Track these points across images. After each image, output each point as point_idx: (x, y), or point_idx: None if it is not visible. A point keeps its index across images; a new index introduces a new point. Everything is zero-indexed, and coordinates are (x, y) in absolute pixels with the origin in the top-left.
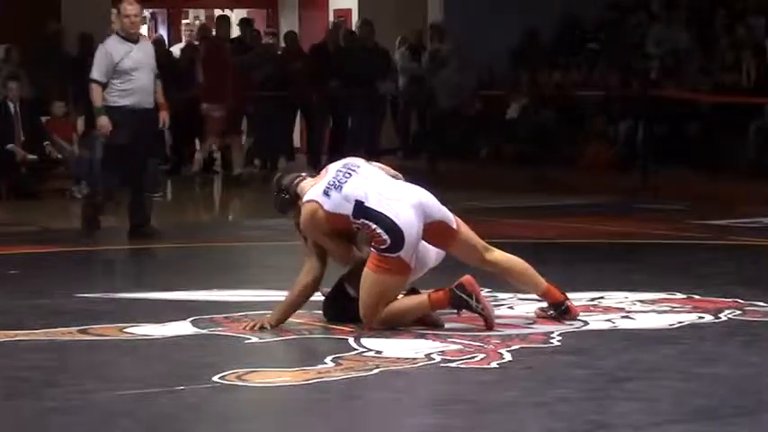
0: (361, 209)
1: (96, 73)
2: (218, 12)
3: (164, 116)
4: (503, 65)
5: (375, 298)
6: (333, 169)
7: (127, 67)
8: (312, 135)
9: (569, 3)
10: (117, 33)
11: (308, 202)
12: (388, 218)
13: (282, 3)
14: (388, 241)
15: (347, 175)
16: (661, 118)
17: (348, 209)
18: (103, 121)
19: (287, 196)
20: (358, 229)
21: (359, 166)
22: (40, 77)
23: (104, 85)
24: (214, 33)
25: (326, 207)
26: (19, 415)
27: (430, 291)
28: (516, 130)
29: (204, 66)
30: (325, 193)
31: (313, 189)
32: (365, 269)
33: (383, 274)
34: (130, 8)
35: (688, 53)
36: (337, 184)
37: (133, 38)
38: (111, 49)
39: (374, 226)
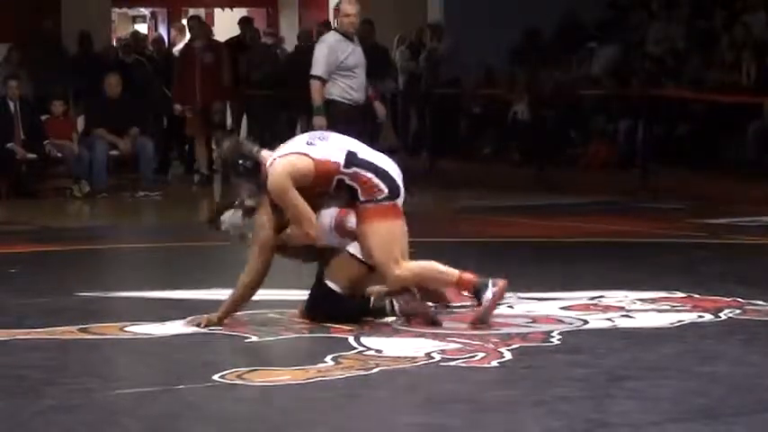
0: (354, 157)
1: (320, 69)
2: (218, 11)
3: (380, 108)
4: (503, 64)
5: (389, 246)
6: (301, 137)
7: (351, 64)
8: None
9: (569, 2)
10: (336, 30)
11: (288, 155)
12: (382, 167)
13: (282, 2)
14: (386, 190)
15: (325, 136)
16: (661, 117)
17: (339, 157)
18: (320, 121)
19: (248, 163)
20: (341, 182)
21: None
22: (39, 76)
23: (324, 82)
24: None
25: (314, 155)
26: (19, 414)
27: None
28: (517, 129)
29: (178, 66)
30: (310, 144)
31: (289, 146)
32: (361, 226)
33: (386, 221)
34: (349, 7)
35: (687, 52)
36: (321, 137)
37: (350, 36)
38: (336, 47)
39: (369, 175)
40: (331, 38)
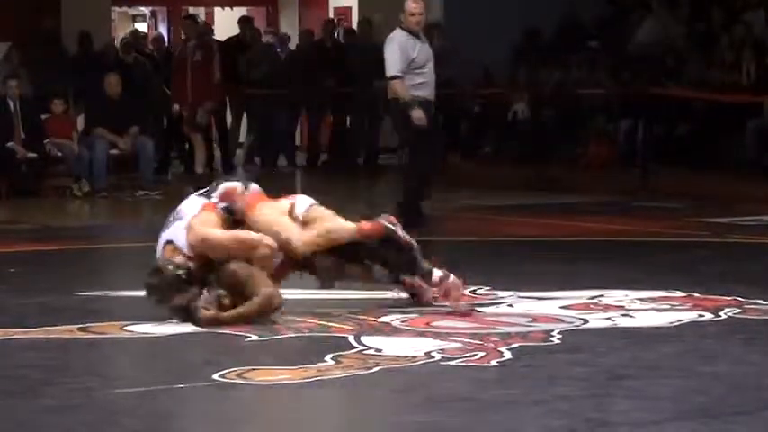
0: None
1: (396, 68)
2: (218, 9)
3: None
4: (503, 63)
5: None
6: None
7: (420, 62)
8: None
9: (569, 1)
10: (401, 29)
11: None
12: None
13: (282, 1)
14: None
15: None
16: (661, 117)
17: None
18: (418, 113)
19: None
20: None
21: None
22: (39, 76)
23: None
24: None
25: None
26: (19, 413)
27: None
28: (517, 128)
29: (173, 66)
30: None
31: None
32: (249, 219)
33: (264, 202)
34: (414, 6)
35: (687, 51)
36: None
37: (417, 33)
38: (405, 45)
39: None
40: (399, 36)
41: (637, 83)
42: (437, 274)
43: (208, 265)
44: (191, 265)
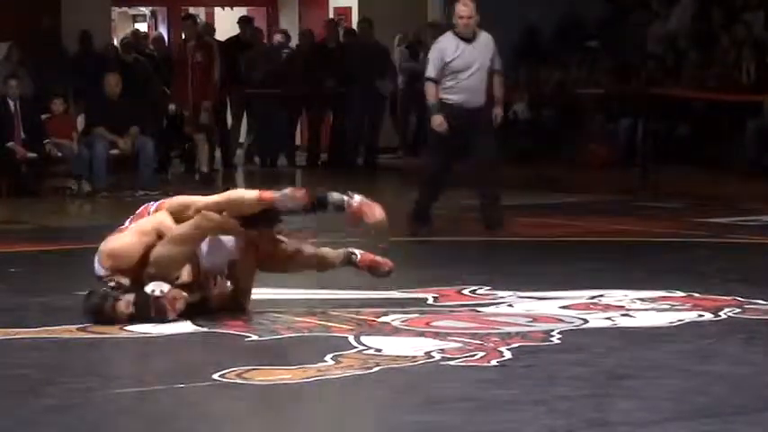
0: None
1: (430, 71)
2: (218, 10)
3: (497, 110)
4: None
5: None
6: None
7: (456, 66)
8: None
9: (569, 1)
10: (451, 32)
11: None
12: None
13: (282, 1)
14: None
15: None
16: (660, 116)
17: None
18: (436, 120)
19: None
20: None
21: None
22: (39, 75)
23: (438, 83)
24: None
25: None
26: (18, 413)
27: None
28: (517, 128)
29: (174, 66)
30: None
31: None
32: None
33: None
34: (463, 8)
35: (688, 51)
36: None
37: (465, 37)
38: (444, 48)
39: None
40: (443, 39)
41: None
42: (351, 199)
43: (134, 271)
44: (122, 281)
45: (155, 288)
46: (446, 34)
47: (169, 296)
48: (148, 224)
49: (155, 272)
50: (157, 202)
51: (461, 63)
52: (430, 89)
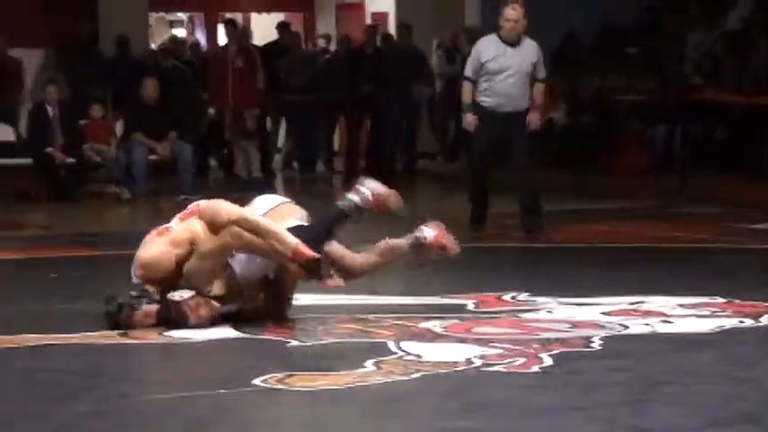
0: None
1: (467, 70)
2: (255, 15)
3: (532, 116)
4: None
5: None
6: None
7: (492, 68)
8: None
9: (608, 7)
10: (496, 34)
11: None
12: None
13: (319, 6)
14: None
15: None
16: (698, 122)
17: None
18: (467, 119)
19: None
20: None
21: None
22: (77, 81)
23: (475, 83)
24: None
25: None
26: (56, 418)
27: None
28: (555, 135)
29: (211, 70)
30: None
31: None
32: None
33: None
34: (511, 12)
35: (725, 56)
36: None
37: (508, 40)
38: (482, 49)
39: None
40: (484, 40)
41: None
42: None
43: (166, 281)
44: (149, 289)
45: (176, 294)
46: (489, 36)
47: (191, 302)
48: (182, 235)
49: (187, 285)
50: (194, 204)
51: (497, 66)
52: (465, 88)
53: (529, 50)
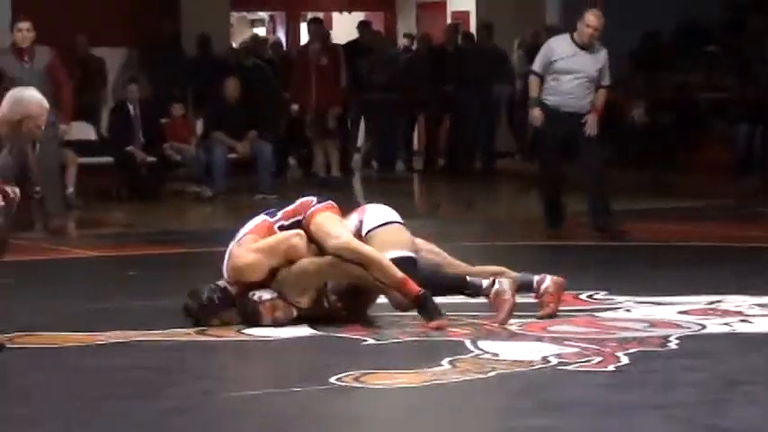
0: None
1: (534, 65)
2: (335, 14)
3: (590, 119)
4: (621, 67)
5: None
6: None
7: (560, 68)
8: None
9: (688, 5)
10: (570, 34)
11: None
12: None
13: (400, 5)
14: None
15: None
16: None
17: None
18: (533, 113)
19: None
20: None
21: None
22: (159, 79)
23: (542, 79)
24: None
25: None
26: (138, 415)
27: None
28: (635, 132)
29: (294, 68)
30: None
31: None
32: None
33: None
34: (592, 18)
35: None
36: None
37: (581, 43)
38: (553, 47)
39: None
40: (557, 39)
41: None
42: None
43: (251, 287)
44: (228, 287)
45: (256, 293)
46: (563, 35)
47: (268, 303)
48: (280, 246)
49: (278, 290)
50: (306, 200)
51: (565, 66)
52: (532, 82)
53: (598, 56)
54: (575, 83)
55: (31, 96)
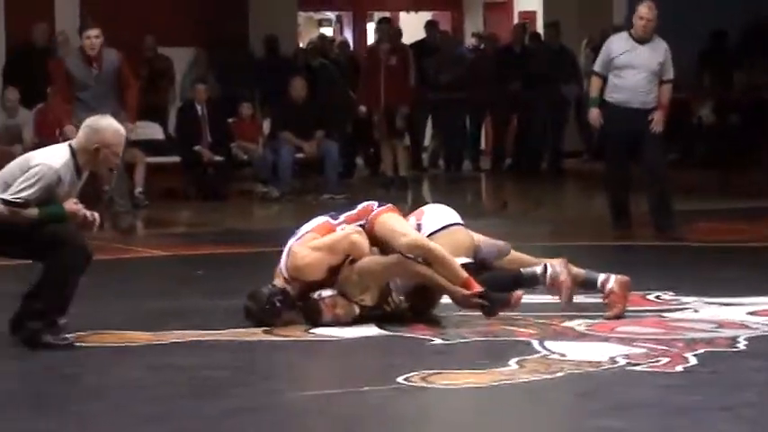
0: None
1: (596, 65)
2: (402, 14)
3: (656, 115)
4: (688, 67)
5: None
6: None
7: (620, 64)
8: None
9: (756, 5)
10: (627, 30)
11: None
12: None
13: (468, 4)
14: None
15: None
16: None
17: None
18: (591, 113)
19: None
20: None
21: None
22: (226, 79)
23: (604, 79)
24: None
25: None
26: (206, 413)
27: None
28: (703, 133)
29: (363, 68)
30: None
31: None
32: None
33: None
34: (644, 10)
35: None
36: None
37: (642, 39)
38: (612, 45)
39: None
40: (615, 37)
41: None
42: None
43: (310, 287)
44: (288, 288)
45: (317, 291)
46: (621, 33)
47: (328, 300)
48: (340, 244)
49: (339, 289)
50: (368, 204)
51: (625, 61)
52: (592, 83)
53: (657, 50)
54: (637, 78)
55: (108, 125)
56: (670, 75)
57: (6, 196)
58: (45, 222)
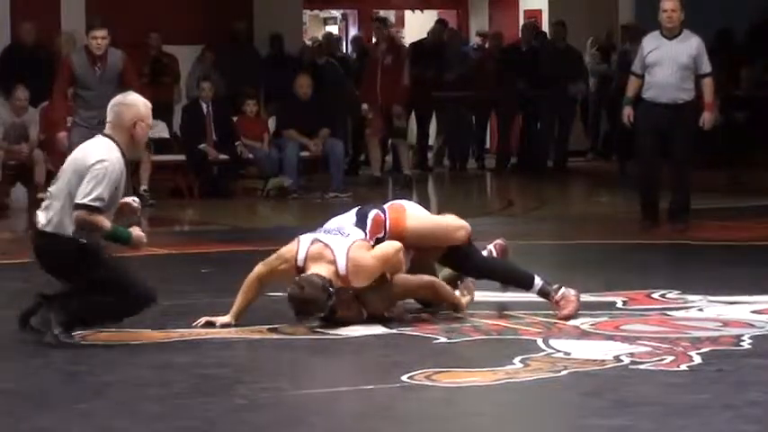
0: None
1: (633, 65)
2: (408, 12)
3: (705, 116)
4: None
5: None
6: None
7: (651, 61)
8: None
9: (762, 3)
10: (659, 30)
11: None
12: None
13: (473, 3)
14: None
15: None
16: None
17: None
18: (624, 111)
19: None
20: None
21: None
22: (232, 77)
23: (642, 78)
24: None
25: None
26: (210, 411)
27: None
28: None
29: (366, 68)
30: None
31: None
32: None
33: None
34: (667, 2)
35: None
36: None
37: (670, 34)
38: (645, 43)
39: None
40: (648, 36)
41: None
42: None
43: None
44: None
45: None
46: (654, 32)
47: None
48: (395, 258)
49: (366, 295)
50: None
51: (654, 58)
52: (629, 82)
53: (687, 44)
54: (666, 72)
55: (137, 98)
56: (706, 68)
57: (83, 200)
58: (111, 240)
